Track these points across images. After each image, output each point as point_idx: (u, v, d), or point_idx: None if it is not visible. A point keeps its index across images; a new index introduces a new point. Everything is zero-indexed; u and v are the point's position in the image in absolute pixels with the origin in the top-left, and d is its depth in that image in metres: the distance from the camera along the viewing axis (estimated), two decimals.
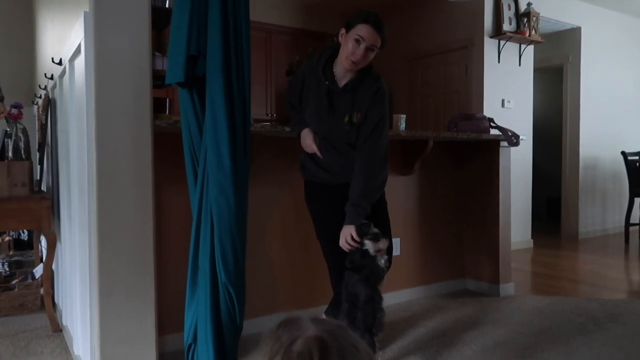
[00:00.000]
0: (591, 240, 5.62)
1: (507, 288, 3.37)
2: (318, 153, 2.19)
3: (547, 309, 3.04)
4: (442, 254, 3.45)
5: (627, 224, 5.40)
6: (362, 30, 2.00)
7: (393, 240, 3.15)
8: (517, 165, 4.80)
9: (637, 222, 5.20)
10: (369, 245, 1.97)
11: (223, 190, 1.48)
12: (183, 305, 2.43)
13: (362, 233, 1.99)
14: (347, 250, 2.04)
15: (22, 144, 2.73)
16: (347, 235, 2.02)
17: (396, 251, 3.18)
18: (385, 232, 2.16)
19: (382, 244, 2.03)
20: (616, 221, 6.04)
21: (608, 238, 5.74)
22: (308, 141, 2.20)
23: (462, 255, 3.54)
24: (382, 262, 2.04)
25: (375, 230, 2.02)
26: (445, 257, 3.47)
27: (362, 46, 2.01)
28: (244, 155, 1.54)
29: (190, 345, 1.58)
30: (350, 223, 2.03)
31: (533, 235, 5.26)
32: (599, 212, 5.96)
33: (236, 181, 1.49)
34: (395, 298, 3.14)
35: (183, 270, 2.44)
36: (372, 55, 2.07)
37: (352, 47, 2.01)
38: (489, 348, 2.43)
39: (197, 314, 1.56)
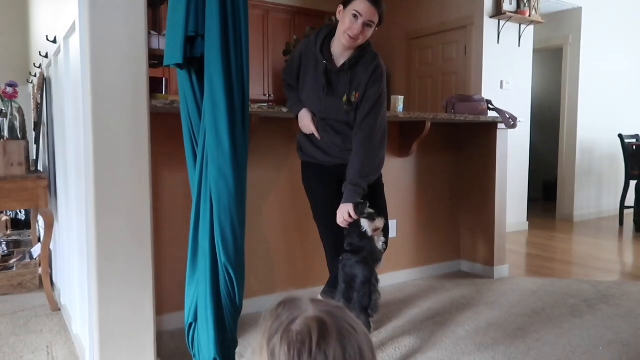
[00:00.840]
0: (586, 222, 5.66)
1: (502, 270, 3.41)
2: (316, 134, 2.19)
3: (541, 291, 3.08)
4: (438, 235, 3.47)
5: (622, 206, 5.43)
6: (359, 5, 1.98)
7: (390, 222, 3.18)
8: (515, 148, 4.81)
9: (632, 205, 5.23)
10: (365, 224, 1.99)
11: (222, 172, 1.47)
12: (181, 285, 2.45)
13: (358, 213, 2.00)
14: (344, 227, 2.05)
15: (17, 123, 2.72)
16: (344, 213, 2.03)
17: (392, 233, 3.20)
18: (382, 214, 2.17)
19: (379, 222, 2.04)
20: (611, 204, 6.08)
21: (603, 221, 5.79)
22: (306, 121, 2.19)
23: (458, 237, 3.57)
24: (379, 244, 2.06)
25: (371, 210, 2.03)
26: (441, 239, 3.49)
27: (360, 21, 1.99)
28: (242, 137, 1.54)
29: (190, 325, 1.60)
30: (347, 202, 2.04)
31: (529, 218, 5.29)
32: (595, 195, 5.99)
33: (235, 162, 1.49)
34: (391, 279, 3.18)
35: (181, 249, 2.45)
36: (369, 31, 2.05)
37: (350, 23, 1.99)
38: (482, 328, 2.46)
39: (197, 294, 1.57)
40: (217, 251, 1.52)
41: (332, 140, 2.19)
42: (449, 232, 3.53)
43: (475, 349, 2.23)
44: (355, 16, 1.98)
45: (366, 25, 2.01)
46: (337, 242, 2.33)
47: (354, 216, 2.01)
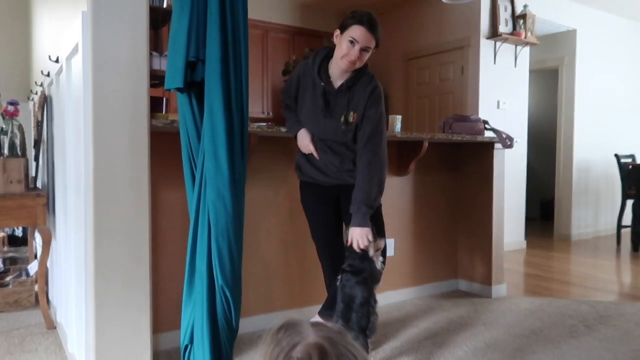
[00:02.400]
0: (583, 242, 5.67)
1: (500, 289, 3.40)
2: (315, 154, 2.21)
3: (539, 311, 3.08)
4: (435, 254, 3.48)
5: (619, 226, 5.45)
6: (355, 31, 2.01)
7: (387, 241, 3.19)
8: (512, 167, 4.84)
9: (629, 224, 5.24)
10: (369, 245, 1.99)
11: (220, 195, 1.49)
12: (178, 304, 2.45)
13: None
14: (357, 249, 2.02)
15: (17, 141, 2.73)
16: (363, 237, 2.00)
17: (390, 252, 3.21)
18: (380, 233, 2.18)
19: (380, 243, 2.05)
20: (608, 223, 6.09)
21: (600, 240, 5.80)
22: (305, 142, 2.21)
23: (456, 256, 3.57)
24: (379, 264, 2.06)
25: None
26: (438, 257, 3.50)
27: (357, 47, 2.02)
28: (241, 160, 1.56)
29: (186, 347, 1.60)
30: (363, 225, 2.01)
31: (526, 237, 5.30)
32: (592, 214, 6.01)
33: (233, 186, 1.51)
34: (388, 298, 3.17)
35: (179, 269, 2.45)
36: (366, 55, 2.09)
37: (347, 48, 2.03)
38: (481, 349, 2.45)
39: (193, 315, 1.57)
40: (214, 273, 1.53)
41: (331, 160, 2.21)
42: (447, 250, 3.53)
43: None
44: (352, 42, 2.02)
45: (363, 50, 2.04)
46: (336, 261, 2.34)
47: (371, 239, 2.00)
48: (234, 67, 1.52)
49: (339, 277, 2.04)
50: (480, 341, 2.56)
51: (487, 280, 3.39)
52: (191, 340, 1.57)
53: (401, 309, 3.08)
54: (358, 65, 2.09)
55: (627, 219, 5.34)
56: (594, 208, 6.02)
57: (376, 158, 2.09)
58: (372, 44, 2.06)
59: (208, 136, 1.50)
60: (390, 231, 3.16)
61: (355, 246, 2.02)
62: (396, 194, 3.25)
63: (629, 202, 5.33)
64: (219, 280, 1.51)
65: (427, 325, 2.81)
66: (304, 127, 2.24)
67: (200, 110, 1.59)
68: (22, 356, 2.31)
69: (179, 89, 1.58)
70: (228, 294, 1.51)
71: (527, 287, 3.74)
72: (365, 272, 1.99)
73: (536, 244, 5.37)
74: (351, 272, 1.99)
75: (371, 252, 2.00)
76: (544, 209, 7.20)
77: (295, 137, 2.27)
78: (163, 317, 2.36)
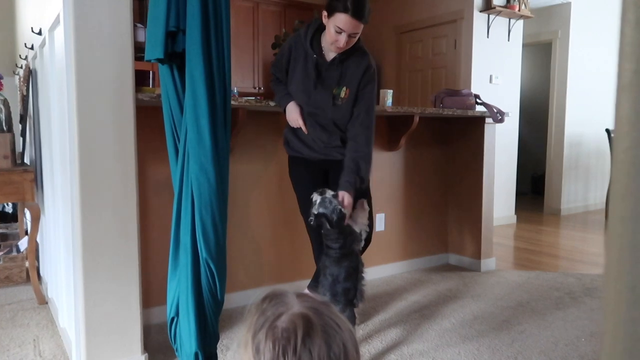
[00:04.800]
0: (573, 216, 5.72)
1: (489, 263, 3.45)
2: (304, 128, 2.19)
3: (526, 283, 3.12)
4: (425, 229, 3.50)
5: (608, 200, 5.49)
6: (341, 20, 1.96)
7: (378, 215, 3.20)
8: (503, 142, 4.84)
9: None
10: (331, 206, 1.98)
11: (203, 167, 1.47)
12: (168, 277, 2.46)
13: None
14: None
15: (3, 116, 2.69)
16: (350, 202, 2.03)
17: (380, 226, 3.22)
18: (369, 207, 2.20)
19: (365, 204, 2.08)
20: (597, 197, 6.15)
21: (589, 214, 5.86)
22: (294, 115, 2.19)
23: (446, 230, 3.60)
24: (360, 227, 2.07)
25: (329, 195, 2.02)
26: (428, 232, 3.52)
27: (343, 35, 1.99)
28: (224, 132, 1.54)
29: (173, 319, 1.60)
30: (345, 189, 2.03)
31: (516, 211, 5.34)
32: (582, 189, 6.06)
33: (216, 158, 1.49)
34: (378, 272, 3.20)
35: (167, 244, 2.45)
36: (355, 38, 2.05)
37: (335, 35, 2.00)
38: (468, 321, 2.49)
39: (179, 289, 1.58)
40: (199, 246, 1.53)
41: (319, 136, 2.19)
42: (437, 225, 3.55)
43: (460, 340, 2.26)
44: (338, 32, 1.98)
45: (351, 36, 2.01)
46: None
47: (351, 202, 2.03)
48: (215, 37, 1.49)
49: (325, 251, 2.04)
50: (468, 313, 2.60)
51: (477, 254, 3.42)
52: (177, 313, 1.58)
53: (391, 283, 3.12)
54: (348, 46, 2.06)
55: None
56: (584, 183, 6.07)
57: (366, 138, 2.11)
58: (359, 29, 2.02)
59: (190, 108, 1.48)
60: (380, 206, 3.18)
61: (346, 204, 2.03)
62: (387, 169, 3.25)
63: None
64: (203, 254, 1.51)
65: (416, 298, 2.84)
66: (293, 101, 2.21)
67: (182, 82, 1.56)
68: (14, 330, 2.33)
69: (159, 60, 1.54)
70: (212, 266, 1.51)
71: (515, 260, 3.79)
72: (347, 241, 1.99)
73: (526, 219, 5.42)
74: (338, 247, 1.99)
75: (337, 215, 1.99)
76: (535, 184, 7.25)
77: (284, 110, 2.25)
78: (153, 292, 2.37)
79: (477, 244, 3.42)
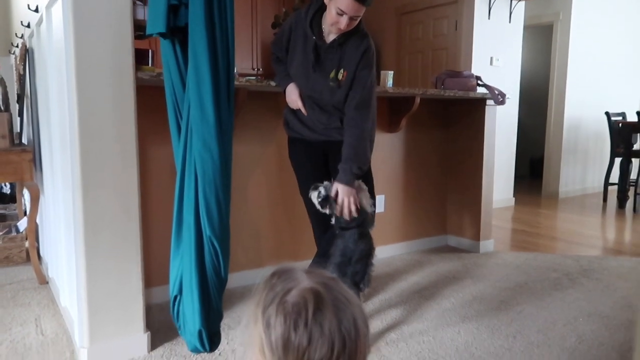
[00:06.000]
0: (571, 199, 5.74)
1: (487, 245, 3.46)
2: (303, 109, 2.17)
3: (524, 265, 3.14)
4: (425, 211, 3.51)
5: (606, 183, 5.51)
6: (343, 3, 1.91)
7: (378, 197, 3.20)
8: (503, 125, 4.83)
9: (616, 182, 5.31)
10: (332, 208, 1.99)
11: (206, 144, 1.46)
12: (169, 258, 2.46)
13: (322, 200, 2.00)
14: (347, 213, 1.98)
15: (0, 95, 2.66)
16: (348, 195, 1.97)
17: (380, 208, 3.23)
18: (369, 191, 2.19)
19: (363, 184, 2.05)
20: (596, 181, 6.16)
21: (587, 197, 5.88)
22: (293, 97, 2.18)
23: (445, 212, 3.61)
24: (369, 208, 2.07)
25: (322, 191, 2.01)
26: (428, 214, 3.53)
27: (345, 17, 1.95)
28: (227, 108, 1.52)
29: (175, 297, 1.61)
30: (347, 183, 1.98)
31: (515, 194, 5.35)
32: (580, 172, 6.07)
33: (220, 134, 1.47)
34: (378, 253, 3.18)
35: (168, 223, 2.45)
36: (356, 21, 2.02)
37: (336, 17, 1.95)
38: (467, 301, 2.51)
39: (182, 267, 1.57)
40: (202, 224, 1.52)
41: (318, 117, 2.18)
42: (436, 207, 3.56)
43: (460, 320, 2.28)
44: (339, 14, 1.95)
45: (352, 19, 1.97)
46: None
47: (357, 200, 1.98)
48: (219, 11, 1.46)
49: (339, 232, 2.04)
50: (467, 294, 2.62)
51: (476, 236, 3.44)
52: (180, 291, 1.58)
53: (390, 264, 3.13)
54: (349, 29, 2.03)
55: (615, 176, 5.40)
56: (582, 166, 6.08)
57: (364, 122, 2.05)
58: (362, 12, 1.98)
59: (193, 84, 1.45)
60: (380, 187, 3.18)
61: (344, 212, 1.98)
62: (387, 151, 3.24)
63: (617, 160, 5.37)
64: (206, 231, 1.50)
65: (416, 279, 2.86)
66: (293, 82, 2.19)
67: (184, 58, 1.53)
68: (15, 310, 2.34)
69: (161, 34, 1.51)
70: (216, 244, 1.51)
71: (514, 242, 3.80)
72: (365, 221, 2.01)
73: (524, 201, 5.44)
74: (355, 226, 2.00)
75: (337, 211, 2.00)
76: (533, 167, 7.26)
77: (284, 91, 2.23)
78: (154, 272, 2.38)
79: (476, 226, 3.43)
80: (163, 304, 2.41)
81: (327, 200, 1.99)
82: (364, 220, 2.03)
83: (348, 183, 1.99)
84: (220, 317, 1.65)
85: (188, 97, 1.49)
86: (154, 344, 1.97)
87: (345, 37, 2.06)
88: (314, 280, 0.71)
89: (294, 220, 2.84)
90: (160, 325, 2.15)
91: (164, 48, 1.59)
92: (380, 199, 3.22)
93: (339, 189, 1.99)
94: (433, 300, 2.52)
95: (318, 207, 2.02)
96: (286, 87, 2.20)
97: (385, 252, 3.28)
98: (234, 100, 1.84)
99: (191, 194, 1.51)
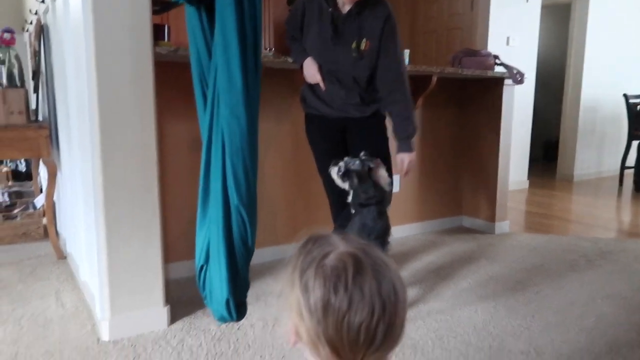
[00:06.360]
0: (586, 182, 5.68)
1: (503, 226, 3.44)
2: (321, 83, 2.14)
3: (540, 247, 3.12)
4: (440, 191, 3.48)
5: (623, 166, 5.44)
6: None
7: (393, 177, 3.18)
8: (518, 106, 4.74)
9: (633, 165, 5.23)
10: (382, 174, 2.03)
11: (234, 112, 1.43)
12: (185, 235, 2.47)
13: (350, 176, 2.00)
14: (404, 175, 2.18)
15: (16, 71, 2.66)
16: (412, 161, 2.16)
17: (395, 188, 3.21)
18: (387, 169, 2.20)
19: (381, 163, 2.06)
20: (612, 164, 6.08)
21: (603, 181, 5.81)
22: (311, 71, 2.14)
23: (460, 193, 3.58)
24: (386, 186, 2.07)
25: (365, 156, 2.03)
26: (443, 194, 3.51)
27: None
28: (255, 75, 1.48)
29: (202, 267, 1.59)
30: (409, 150, 2.15)
31: (529, 177, 5.30)
32: (595, 155, 5.99)
33: (247, 102, 1.44)
34: (393, 233, 3.20)
35: (185, 200, 2.46)
36: None
37: None
38: (484, 282, 2.50)
39: (208, 236, 1.56)
40: (229, 193, 1.49)
41: (337, 92, 2.15)
42: (451, 187, 3.54)
43: (477, 299, 2.27)
44: None
45: None
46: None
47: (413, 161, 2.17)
48: None
49: (355, 210, 2.03)
50: (483, 274, 2.61)
51: (491, 217, 3.41)
52: (207, 261, 1.57)
53: (405, 244, 3.13)
54: None
55: (631, 160, 5.32)
56: (598, 149, 5.99)
57: (406, 89, 2.11)
58: None
59: (220, 51, 1.42)
60: (395, 167, 3.15)
61: (405, 169, 2.17)
62: None
63: (635, 143, 5.29)
64: (234, 200, 1.48)
65: (432, 259, 2.85)
66: (311, 56, 2.16)
67: (210, 25, 1.50)
68: (35, 284, 2.36)
69: (188, 1, 1.49)
70: (244, 213, 1.49)
71: (529, 224, 3.78)
72: (384, 199, 2.00)
73: (538, 184, 5.39)
74: (368, 205, 1.99)
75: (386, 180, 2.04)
76: (546, 150, 7.17)
77: (301, 67, 2.20)
78: (171, 248, 2.39)
79: (491, 207, 3.41)
80: (180, 279, 2.43)
81: (347, 175, 1.98)
82: (382, 198, 2.01)
83: (412, 151, 2.15)
84: (247, 287, 1.63)
85: (215, 63, 1.47)
86: (173, 318, 1.99)
87: (360, 6, 2.03)
88: (350, 245, 0.70)
89: (309, 198, 2.83)
90: (178, 300, 2.16)
91: (190, 15, 1.56)
92: (395, 179, 3.20)
93: (405, 159, 2.14)
94: (449, 280, 2.51)
95: (338, 181, 2.01)
96: (303, 61, 2.17)
97: (400, 232, 3.27)
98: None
99: (218, 163, 1.48)
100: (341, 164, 2.01)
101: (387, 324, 0.65)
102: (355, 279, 0.65)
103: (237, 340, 1.85)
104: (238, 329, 1.93)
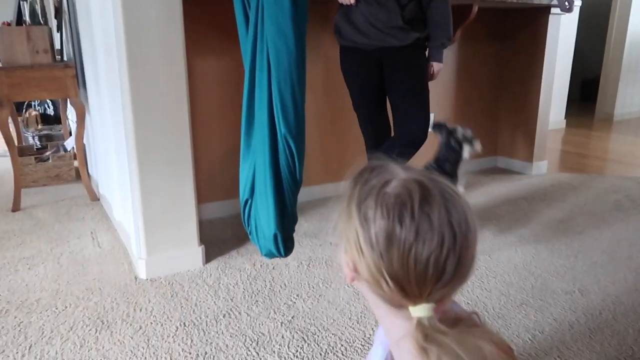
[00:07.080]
0: (627, 121, 5.42)
1: (540, 166, 3.31)
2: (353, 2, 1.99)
3: (581, 186, 3.00)
4: (475, 130, 3.32)
5: None
6: None
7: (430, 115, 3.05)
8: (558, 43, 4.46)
9: None
10: (466, 150, 2.22)
11: (281, 29, 1.30)
12: (214, 177, 2.44)
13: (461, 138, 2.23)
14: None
15: (38, 8, 2.57)
16: (439, 70, 2.20)
17: (430, 127, 3.08)
18: (424, 105, 2.19)
19: (478, 146, 2.27)
20: None
21: None
22: None
23: (496, 132, 3.44)
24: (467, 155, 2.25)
25: (469, 132, 2.27)
26: (478, 133, 3.31)
27: None
28: None
29: (246, 201, 1.52)
30: (439, 60, 2.18)
31: (565, 116, 5.07)
32: (638, 93, 5.67)
33: (295, 18, 1.30)
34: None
35: (214, 142, 2.41)
36: None
37: None
38: (523, 222, 2.42)
39: (253, 169, 1.47)
40: (277, 122, 1.38)
41: (376, 15, 1.99)
42: (487, 127, 3.39)
43: (517, 240, 2.20)
44: None
45: None
46: (377, 132, 2.25)
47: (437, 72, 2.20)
48: None
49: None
50: (522, 214, 2.52)
51: (528, 157, 3.28)
52: (251, 195, 1.49)
53: None
54: None
55: None
56: None
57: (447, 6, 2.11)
58: None
59: None
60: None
61: (436, 74, 2.22)
62: None
63: None
64: (281, 130, 1.37)
65: (467, 199, 2.76)
66: None
67: None
68: (71, 224, 2.39)
69: None
70: (292, 143, 1.39)
71: (567, 164, 3.63)
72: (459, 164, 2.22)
73: (576, 124, 5.16)
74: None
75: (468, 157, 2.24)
76: (584, 89, 6.83)
77: None
78: (202, 189, 2.36)
79: (529, 147, 3.27)
80: (213, 220, 2.42)
81: (439, 127, 2.31)
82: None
83: (442, 60, 2.18)
84: (295, 221, 1.55)
85: None
86: (207, 258, 1.98)
87: None
88: (414, 172, 0.62)
89: (342, 137, 2.75)
90: (211, 240, 2.16)
91: None
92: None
93: (435, 66, 2.18)
94: (487, 220, 2.44)
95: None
96: None
97: None
98: None
99: (264, 89, 1.37)
100: (460, 128, 2.25)
101: (458, 256, 0.58)
102: (423, 206, 0.57)
103: (273, 279, 1.84)
104: (273, 268, 1.92)
